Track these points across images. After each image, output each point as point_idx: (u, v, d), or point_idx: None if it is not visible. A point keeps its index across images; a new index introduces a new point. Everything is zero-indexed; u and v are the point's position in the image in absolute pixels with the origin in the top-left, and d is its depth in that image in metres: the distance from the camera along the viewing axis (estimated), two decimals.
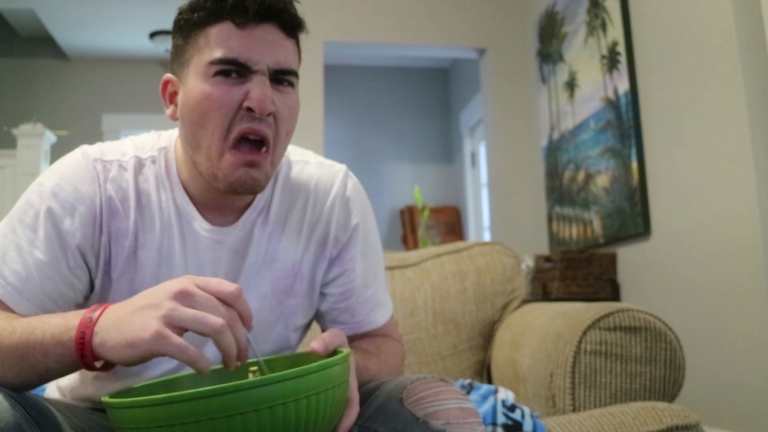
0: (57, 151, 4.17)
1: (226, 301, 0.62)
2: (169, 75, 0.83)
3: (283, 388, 0.57)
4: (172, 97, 0.83)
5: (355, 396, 0.71)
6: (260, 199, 0.88)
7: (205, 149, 0.78)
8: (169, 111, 0.83)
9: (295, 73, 0.80)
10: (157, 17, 4.44)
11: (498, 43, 3.88)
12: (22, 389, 0.66)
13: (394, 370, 0.92)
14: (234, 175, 0.77)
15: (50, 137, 4.18)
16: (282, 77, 0.79)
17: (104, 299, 0.84)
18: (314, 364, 0.60)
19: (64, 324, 0.65)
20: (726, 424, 2.02)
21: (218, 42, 0.76)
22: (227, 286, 0.63)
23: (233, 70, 0.76)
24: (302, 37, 0.83)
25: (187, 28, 0.79)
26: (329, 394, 0.61)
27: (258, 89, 0.75)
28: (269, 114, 0.77)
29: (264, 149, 0.78)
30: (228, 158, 0.77)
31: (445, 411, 0.72)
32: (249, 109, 0.76)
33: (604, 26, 2.86)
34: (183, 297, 0.61)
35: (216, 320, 0.60)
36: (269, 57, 0.77)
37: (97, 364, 0.65)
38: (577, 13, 3.13)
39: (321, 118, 3.63)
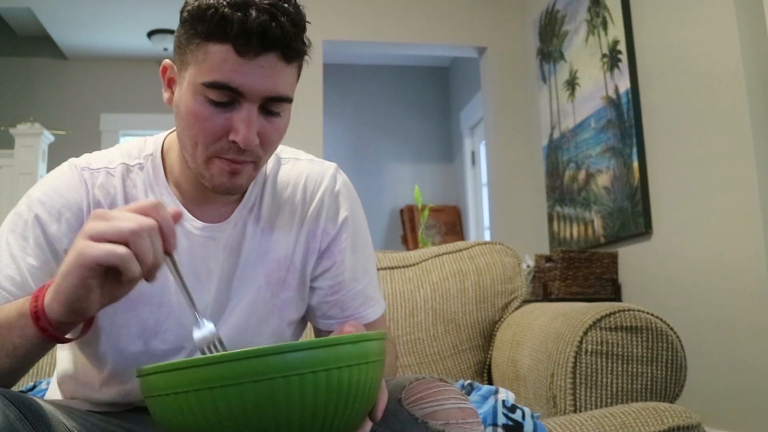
0: (55, 151, 4.16)
1: (145, 212, 0.63)
2: (169, 62, 0.83)
3: (327, 354, 0.57)
4: (170, 83, 0.83)
5: (383, 383, 0.70)
6: (250, 196, 0.90)
7: (191, 153, 0.80)
8: (166, 96, 0.84)
9: (288, 99, 0.79)
10: (155, 16, 4.42)
11: (498, 42, 3.87)
12: None
13: (391, 370, 0.93)
14: (218, 180, 0.80)
15: (48, 137, 4.17)
16: (274, 105, 0.78)
17: None
18: (351, 335, 0.61)
19: (28, 297, 0.67)
20: (728, 425, 2.01)
21: (215, 65, 0.74)
22: (145, 201, 0.66)
23: (224, 96, 0.75)
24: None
25: (191, 30, 0.77)
26: (365, 369, 0.60)
27: (244, 125, 0.75)
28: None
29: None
30: (215, 163, 0.79)
31: (444, 411, 0.72)
32: (234, 141, 0.76)
33: (605, 25, 2.85)
34: (99, 217, 0.63)
35: (130, 224, 0.61)
36: (264, 86, 0.75)
37: (70, 335, 0.66)
38: (578, 12, 3.12)
39: (320, 118, 3.62)
